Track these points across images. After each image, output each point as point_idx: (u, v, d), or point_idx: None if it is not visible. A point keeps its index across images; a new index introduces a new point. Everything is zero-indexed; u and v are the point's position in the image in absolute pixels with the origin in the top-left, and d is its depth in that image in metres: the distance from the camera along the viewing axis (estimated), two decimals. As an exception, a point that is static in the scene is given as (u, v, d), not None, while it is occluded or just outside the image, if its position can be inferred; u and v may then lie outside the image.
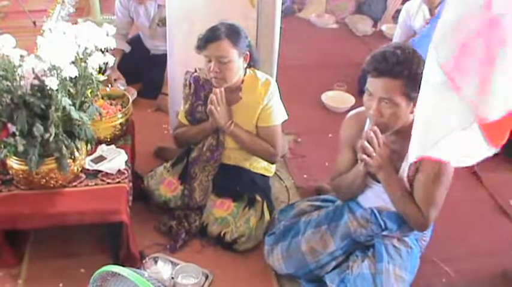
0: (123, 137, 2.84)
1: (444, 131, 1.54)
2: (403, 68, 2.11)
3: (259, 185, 2.92)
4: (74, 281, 2.54)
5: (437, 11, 3.88)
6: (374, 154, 2.26)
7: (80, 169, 2.53)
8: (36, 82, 2.23)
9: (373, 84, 2.19)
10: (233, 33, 2.62)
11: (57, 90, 2.19)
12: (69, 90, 2.30)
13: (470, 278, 2.71)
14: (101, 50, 2.34)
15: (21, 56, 2.21)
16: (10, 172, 2.45)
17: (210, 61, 2.64)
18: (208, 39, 2.61)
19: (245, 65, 2.73)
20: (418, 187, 2.31)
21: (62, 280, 2.56)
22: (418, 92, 2.16)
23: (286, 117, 2.88)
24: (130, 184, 2.64)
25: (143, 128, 3.38)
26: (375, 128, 2.24)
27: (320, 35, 5.66)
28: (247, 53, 2.70)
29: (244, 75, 2.76)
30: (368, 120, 2.39)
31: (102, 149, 2.68)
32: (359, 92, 4.16)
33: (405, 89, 2.14)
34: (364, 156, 2.28)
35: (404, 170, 2.33)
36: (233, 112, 2.79)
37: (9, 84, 2.20)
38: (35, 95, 2.22)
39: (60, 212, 2.42)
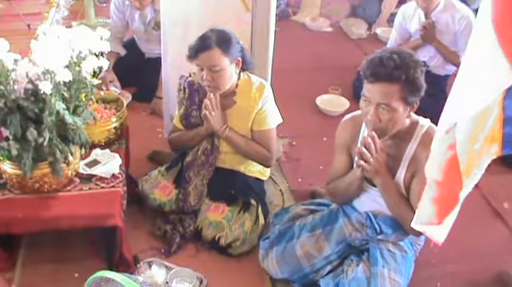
0: (117, 141, 2.82)
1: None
2: (400, 73, 2.11)
3: (253, 189, 2.91)
4: (68, 286, 2.54)
5: (432, 15, 3.90)
6: (371, 160, 2.26)
7: (74, 173, 2.52)
8: (29, 86, 2.21)
9: (370, 90, 2.18)
10: (223, 41, 2.61)
11: (51, 94, 2.18)
12: (63, 95, 2.29)
13: (464, 282, 2.72)
14: (95, 54, 2.34)
15: (15, 60, 2.20)
16: (4, 176, 2.44)
17: (202, 70, 2.64)
18: (199, 49, 2.60)
19: (237, 71, 2.73)
20: (414, 191, 2.31)
21: (56, 285, 2.55)
22: (416, 96, 2.18)
23: (281, 120, 2.89)
24: (125, 188, 2.63)
25: (138, 131, 3.37)
26: (373, 133, 2.24)
27: (315, 38, 5.66)
28: (239, 59, 2.69)
29: (238, 79, 2.76)
30: (364, 124, 2.39)
31: (97, 153, 2.67)
32: (354, 95, 4.17)
33: (403, 93, 2.14)
34: (362, 162, 2.29)
35: (401, 174, 2.33)
36: (228, 116, 2.79)
37: (2, 88, 2.19)
38: (29, 99, 2.21)
39: (54, 216, 2.41)
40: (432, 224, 1.72)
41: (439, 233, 1.76)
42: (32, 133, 2.21)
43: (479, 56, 1.42)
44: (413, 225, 1.77)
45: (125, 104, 2.88)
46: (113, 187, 2.54)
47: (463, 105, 1.48)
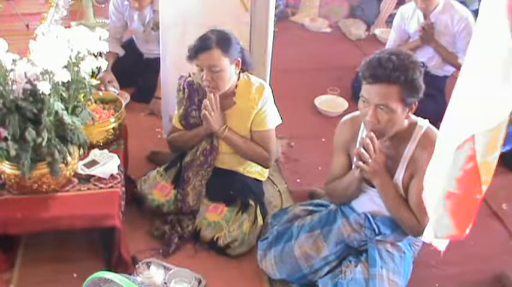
0: (116, 141, 2.82)
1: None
2: (399, 74, 2.11)
3: (252, 190, 2.91)
4: (66, 286, 2.53)
5: (431, 16, 3.90)
6: (370, 161, 2.26)
7: (72, 174, 2.52)
8: (28, 86, 2.22)
9: (369, 91, 2.18)
10: (223, 41, 2.61)
11: (49, 94, 2.19)
12: (61, 95, 2.29)
13: (463, 283, 2.72)
14: (93, 54, 2.33)
15: (14, 60, 2.20)
16: (2, 176, 2.44)
17: (202, 70, 2.64)
18: (199, 49, 2.60)
19: (237, 71, 2.73)
20: (412, 192, 2.31)
21: (54, 285, 2.55)
22: (414, 97, 2.18)
23: (280, 121, 2.89)
24: (123, 188, 2.63)
25: (136, 132, 3.36)
26: (371, 134, 2.24)
27: (313, 39, 5.65)
28: (239, 59, 2.69)
29: (238, 80, 2.76)
30: (362, 125, 2.39)
31: (95, 154, 2.67)
32: (352, 96, 4.17)
33: (401, 94, 2.14)
34: (360, 163, 2.29)
35: (399, 175, 2.33)
36: (227, 117, 2.79)
37: (1, 88, 2.19)
38: (27, 99, 2.21)
39: (52, 216, 2.41)
40: (454, 237, 1.70)
41: (440, 241, 1.75)
42: (30, 133, 2.21)
43: (492, 67, 1.39)
44: (429, 239, 1.75)
45: (123, 105, 2.89)
46: (112, 187, 2.55)
47: (479, 117, 1.45)
